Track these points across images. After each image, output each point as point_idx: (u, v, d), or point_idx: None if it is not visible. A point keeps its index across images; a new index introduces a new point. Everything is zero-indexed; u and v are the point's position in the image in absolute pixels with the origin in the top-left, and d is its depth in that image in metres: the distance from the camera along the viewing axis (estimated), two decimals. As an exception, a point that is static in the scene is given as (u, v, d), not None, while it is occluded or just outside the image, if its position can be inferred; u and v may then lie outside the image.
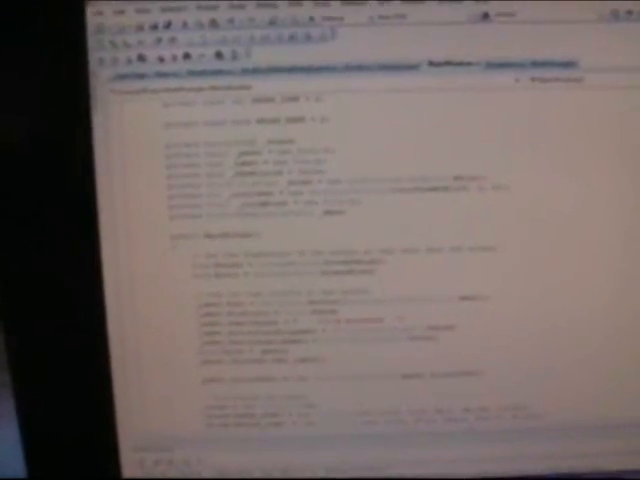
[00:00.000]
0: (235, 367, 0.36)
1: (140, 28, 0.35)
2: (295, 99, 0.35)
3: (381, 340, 0.36)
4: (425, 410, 0.37)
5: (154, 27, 0.35)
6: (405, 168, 0.35)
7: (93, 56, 0.35)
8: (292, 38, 0.35)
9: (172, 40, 0.35)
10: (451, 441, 0.37)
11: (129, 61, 0.35)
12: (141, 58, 0.35)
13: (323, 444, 0.37)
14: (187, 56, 0.35)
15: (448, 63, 0.35)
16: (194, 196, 0.36)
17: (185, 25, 0.35)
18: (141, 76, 0.35)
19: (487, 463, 0.37)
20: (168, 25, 0.35)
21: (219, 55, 0.35)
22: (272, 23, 0.35)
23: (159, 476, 0.37)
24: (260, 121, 0.35)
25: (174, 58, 0.35)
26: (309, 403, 0.37)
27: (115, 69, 0.35)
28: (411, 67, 0.35)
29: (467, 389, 0.36)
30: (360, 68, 0.35)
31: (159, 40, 0.35)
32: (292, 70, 0.35)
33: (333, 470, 0.37)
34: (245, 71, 0.35)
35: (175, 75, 0.35)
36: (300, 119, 0.35)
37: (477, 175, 0.35)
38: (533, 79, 0.35)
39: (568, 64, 0.35)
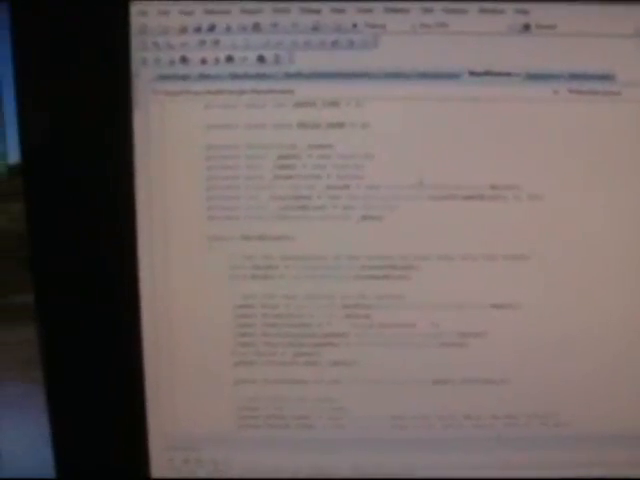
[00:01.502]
0: (267, 369, 0.36)
1: (183, 30, 0.36)
2: (336, 104, 0.36)
3: (413, 345, 0.36)
4: (454, 416, 0.37)
5: (197, 29, 0.36)
6: (443, 176, 0.36)
7: (136, 56, 0.36)
8: (335, 44, 0.36)
9: (215, 43, 0.36)
10: (479, 447, 0.37)
11: (172, 62, 0.36)
12: (184, 60, 0.36)
13: (352, 447, 0.37)
14: (230, 59, 0.36)
15: (488, 73, 0.35)
16: (233, 198, 0.36)
17: (229, 28, 0.35)
18: (183, 77, 0.36)
19: (514, 469, 0.37)
20: (212, 28, 0.36)
21: (261, 59, 0.36)
22: (315, 29, 0.35)
23: (188, 475, 0.37)
24: (301, 125, 0.36)
25: (217, 61, 0.36)
26: (339, 406, 0.37)
27: (158, 70, 0.36)
28: (452, 76, 0.36)
29: (496, 396, 0.37)
30: (401, 75, 0.36)
31: (202, 42, 0.36)
32: (334, 76, 0.36)
33: (361, 473, 0.38)
34: (287, 75, 0.36)
35: (217, 78, 0.36)
36: (340, 124, 0.36)
37: (513, 184, 0.36)
38: (571, 91, 0.36)
39: (605, 77, 0.36)
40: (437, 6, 0.35)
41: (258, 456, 0.38)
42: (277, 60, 0.36)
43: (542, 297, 0.36)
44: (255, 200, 0.36)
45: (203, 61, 0.36)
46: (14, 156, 0.36)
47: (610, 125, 0.36)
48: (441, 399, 0.37)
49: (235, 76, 0.36)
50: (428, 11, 0.35)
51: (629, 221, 0.36)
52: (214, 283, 0.36)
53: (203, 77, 0.36)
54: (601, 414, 0.37)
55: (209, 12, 0.35)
